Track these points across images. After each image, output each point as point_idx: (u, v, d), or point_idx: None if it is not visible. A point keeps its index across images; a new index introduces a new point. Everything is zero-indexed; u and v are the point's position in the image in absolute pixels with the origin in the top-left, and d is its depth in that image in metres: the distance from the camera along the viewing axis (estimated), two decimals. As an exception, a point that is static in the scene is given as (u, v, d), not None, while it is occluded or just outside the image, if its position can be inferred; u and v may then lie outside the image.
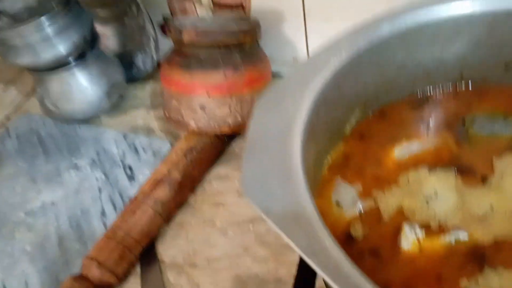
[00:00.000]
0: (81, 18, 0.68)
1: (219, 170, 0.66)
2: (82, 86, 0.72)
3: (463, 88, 0.46)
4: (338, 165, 0.42)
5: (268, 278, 0.53)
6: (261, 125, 0.33)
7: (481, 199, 0.37)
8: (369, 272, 0.25)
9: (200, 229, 0.59)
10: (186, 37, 0.59)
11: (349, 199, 0.39)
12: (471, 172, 0.38)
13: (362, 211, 0.38)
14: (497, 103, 0.44)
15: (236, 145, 0.69)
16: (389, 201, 0.38)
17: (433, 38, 0.42)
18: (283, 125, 0.33)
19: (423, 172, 0.40)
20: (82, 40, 0.68)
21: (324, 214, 0.31)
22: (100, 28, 0.76)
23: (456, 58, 0.43)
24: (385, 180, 0.40)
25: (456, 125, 0.43)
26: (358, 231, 0.37)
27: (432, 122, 0.44)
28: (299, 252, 0.25)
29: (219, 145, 0.66)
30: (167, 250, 0.58)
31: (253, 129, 0.33)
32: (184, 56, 0.61)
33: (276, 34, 0.74)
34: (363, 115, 0.44)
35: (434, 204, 0.37)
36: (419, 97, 0.46)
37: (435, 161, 0.40)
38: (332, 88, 0.37)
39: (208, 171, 0.66)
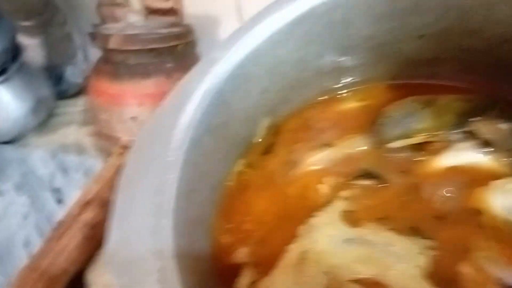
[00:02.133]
0: (1, 28, 0.63)
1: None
2: (4, 103, 0.66)
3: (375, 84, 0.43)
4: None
5: None
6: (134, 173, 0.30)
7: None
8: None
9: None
10: (113, 43, 0.54)
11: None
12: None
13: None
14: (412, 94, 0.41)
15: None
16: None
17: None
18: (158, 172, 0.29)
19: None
20: (3, 53, 0.63)
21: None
22: (23, 40, 0.70)
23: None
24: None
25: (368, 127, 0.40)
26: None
27: (344, 126, 0.41)
28: None
29: (157, 159, 0.62)
30: (98, 277, 0.52)
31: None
32: (112, 64, 0.57)
33: (213, 39, 0.70)
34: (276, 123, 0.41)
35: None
36: (328, 98, 0.43)
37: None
38: (218, 106, 0.34)
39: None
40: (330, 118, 0.42)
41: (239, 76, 0.35)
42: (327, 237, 0.34)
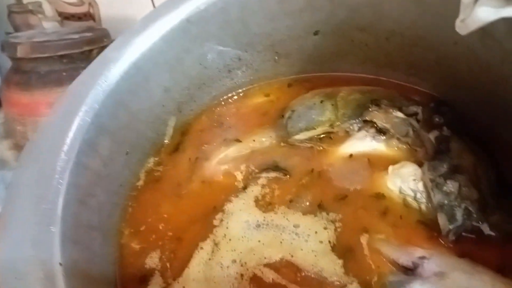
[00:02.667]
0: None
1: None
2: None
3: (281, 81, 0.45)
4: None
5: None
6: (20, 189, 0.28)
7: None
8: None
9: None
10: (21, 51, 0.53)
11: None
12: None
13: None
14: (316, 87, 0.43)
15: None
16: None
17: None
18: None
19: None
20: None
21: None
22: None
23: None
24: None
25: (275, 122, 0.42)
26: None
27: (252, 122, 0.42)
28: None
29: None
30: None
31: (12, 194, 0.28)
32: (23, 73, 0.55)
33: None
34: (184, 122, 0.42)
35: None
36: (235, 95, 0.44)
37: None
38: (114, 108, 0.33)
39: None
40: (238, 115, 0.43)
41: (136, 75, 0.35)
42: (241, 223, 0.35)
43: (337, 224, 0.34)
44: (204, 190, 0.38)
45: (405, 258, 0.31)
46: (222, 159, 0.40)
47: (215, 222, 0.35)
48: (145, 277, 0.33)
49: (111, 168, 0.34)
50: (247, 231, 0.34)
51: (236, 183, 0.38)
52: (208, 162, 0.40)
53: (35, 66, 0.54)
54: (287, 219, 0.35)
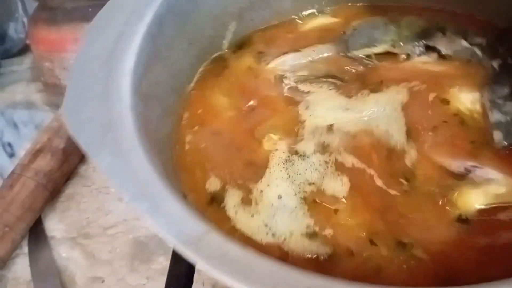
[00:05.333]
0: None
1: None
2: None
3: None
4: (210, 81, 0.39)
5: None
6: (91, 47, 0.29)
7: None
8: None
9: (93, 198, 0.54)
10: (47, -12, 0.53)
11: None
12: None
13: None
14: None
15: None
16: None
17: None
18: (114, 47, 0.29)
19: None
20: None
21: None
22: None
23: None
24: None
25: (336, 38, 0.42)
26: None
27: (314, 38, 0.43)
28: (101, 169, 0.23)
29: (108, 108, 0.61)
30: (57, 224, 0.52)
31: (83, 51, 0.28)
32: (49, 10, 0.55)
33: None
34: (243, 29, 0.41)
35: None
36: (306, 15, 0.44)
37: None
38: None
39: (99, 138, 0.60)
40: (299, 32, 0.44)
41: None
42: (322, 108, 0.36)
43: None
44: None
45: (457, 164, 0.32)
46: (280, 65, 0.40)
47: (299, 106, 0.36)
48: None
49: (173, 52, 0.34)
50: (331, 112, 0.36)
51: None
52: (266, 65, 0.40)
53: (62, 2, 0.54)
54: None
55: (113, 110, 0.25)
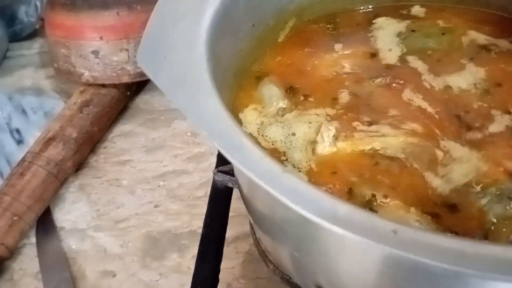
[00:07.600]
0: None
1: (123, 127, 0.60)
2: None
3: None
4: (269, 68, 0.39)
5: (181, 232, 0.48)
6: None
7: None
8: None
9: (104, 190, 0.53)
10: (67, -28, 0.51)
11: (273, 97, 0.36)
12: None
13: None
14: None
15: (140, 100, 0.63)
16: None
17: None
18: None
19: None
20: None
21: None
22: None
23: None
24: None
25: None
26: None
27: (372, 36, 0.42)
28: (181, 109, 0.24)
29: (121, 99, 0.59)
30: (66, 215, 0.51)
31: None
32: (69, -6, 0.54)
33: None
34: (299, 24, 0.41)
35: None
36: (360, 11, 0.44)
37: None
38: None
39: (110, 129, 0.59)
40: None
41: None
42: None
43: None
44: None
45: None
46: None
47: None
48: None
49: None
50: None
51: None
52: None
53: (82, -12, 0.53)
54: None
55: (189, 60, 0.27)
